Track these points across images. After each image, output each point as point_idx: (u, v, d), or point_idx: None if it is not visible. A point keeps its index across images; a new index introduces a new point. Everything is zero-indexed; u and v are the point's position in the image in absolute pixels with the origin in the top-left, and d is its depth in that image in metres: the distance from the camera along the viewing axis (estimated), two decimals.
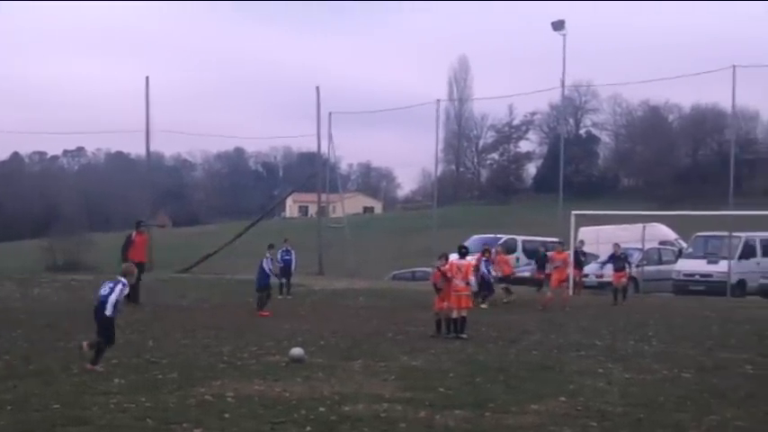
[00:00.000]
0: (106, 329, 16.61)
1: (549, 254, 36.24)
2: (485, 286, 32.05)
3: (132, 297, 30.07)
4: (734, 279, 39.48)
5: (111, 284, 16.76)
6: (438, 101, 55.19)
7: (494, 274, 33.18)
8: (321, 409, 12.95)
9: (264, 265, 28.88)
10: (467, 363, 17.91)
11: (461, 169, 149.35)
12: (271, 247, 31.10)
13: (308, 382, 15.33)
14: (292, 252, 36.59)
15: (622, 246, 36.66)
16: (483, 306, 30.24)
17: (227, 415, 12.49)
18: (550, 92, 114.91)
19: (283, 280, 34.50)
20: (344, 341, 21.25)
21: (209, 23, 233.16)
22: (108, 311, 16.45)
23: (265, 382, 15.23)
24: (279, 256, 35.00)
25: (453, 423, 12.18)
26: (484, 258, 32.61)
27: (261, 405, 13.24)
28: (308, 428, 11.75)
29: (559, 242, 37.00)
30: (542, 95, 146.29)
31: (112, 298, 16.50)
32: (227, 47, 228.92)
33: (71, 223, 78.25)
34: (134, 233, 31.53)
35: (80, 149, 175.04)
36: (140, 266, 31.52)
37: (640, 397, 14.33)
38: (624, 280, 34.75)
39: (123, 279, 16.93)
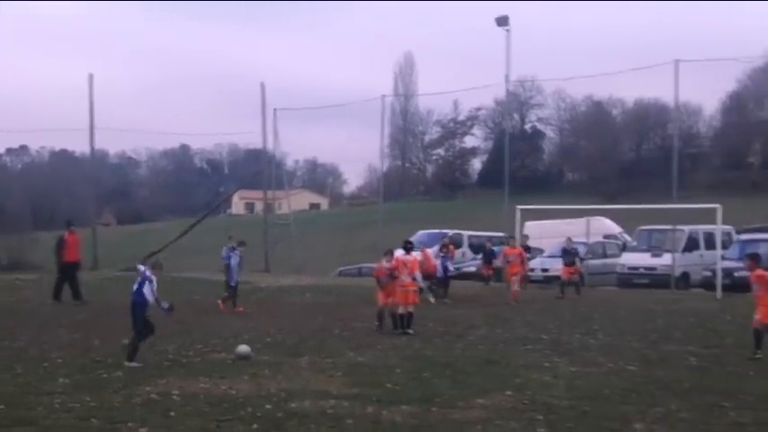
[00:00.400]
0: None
1: (499, 249, 36.35)
2: (440, 281, 32.16)
3: (74, 295, 30.02)
4: (678, 272, 39.79)
5: (139, 280, 17.49)
6: (383, 96, 55.05)
7: (451, 269, 33.32)
8: (267, 406, 12.96)
9: (231, 262, 28.82)
10: (413, 358, 17.96)
11: (407, 165, 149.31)
12: (241, 244, 30.63)
13: (255, 380, 15.32)
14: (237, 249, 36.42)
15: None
16: (431, 300, 30.34)
17: (172, 413, 12.47)
18: (495, 88, 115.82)
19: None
20: (291, 338, 21.25)
21: (152, 21, 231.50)
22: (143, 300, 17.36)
23: (211, 380, 15.20)
24: (223, 253, 34.98)
25: (400, 418, 12.22)
26: (442, 254, 32.62)
27: (206, 403, 13.23)
28: (255, 426, 11.74)
29: (510, 237, 37.02)
30: (487, 91, 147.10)
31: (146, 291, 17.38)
32: (170, 44, 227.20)
33: (15, 222, 77.41)
34: (65, 233, 31.52)
35: (23, 148, 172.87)
36: (75, 266, 31.47)
37: (586, 390, 14.45)
38: (576, 276, 34.99)
39: (147, 272, 17.39)
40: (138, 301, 17.24)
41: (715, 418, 12.52)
